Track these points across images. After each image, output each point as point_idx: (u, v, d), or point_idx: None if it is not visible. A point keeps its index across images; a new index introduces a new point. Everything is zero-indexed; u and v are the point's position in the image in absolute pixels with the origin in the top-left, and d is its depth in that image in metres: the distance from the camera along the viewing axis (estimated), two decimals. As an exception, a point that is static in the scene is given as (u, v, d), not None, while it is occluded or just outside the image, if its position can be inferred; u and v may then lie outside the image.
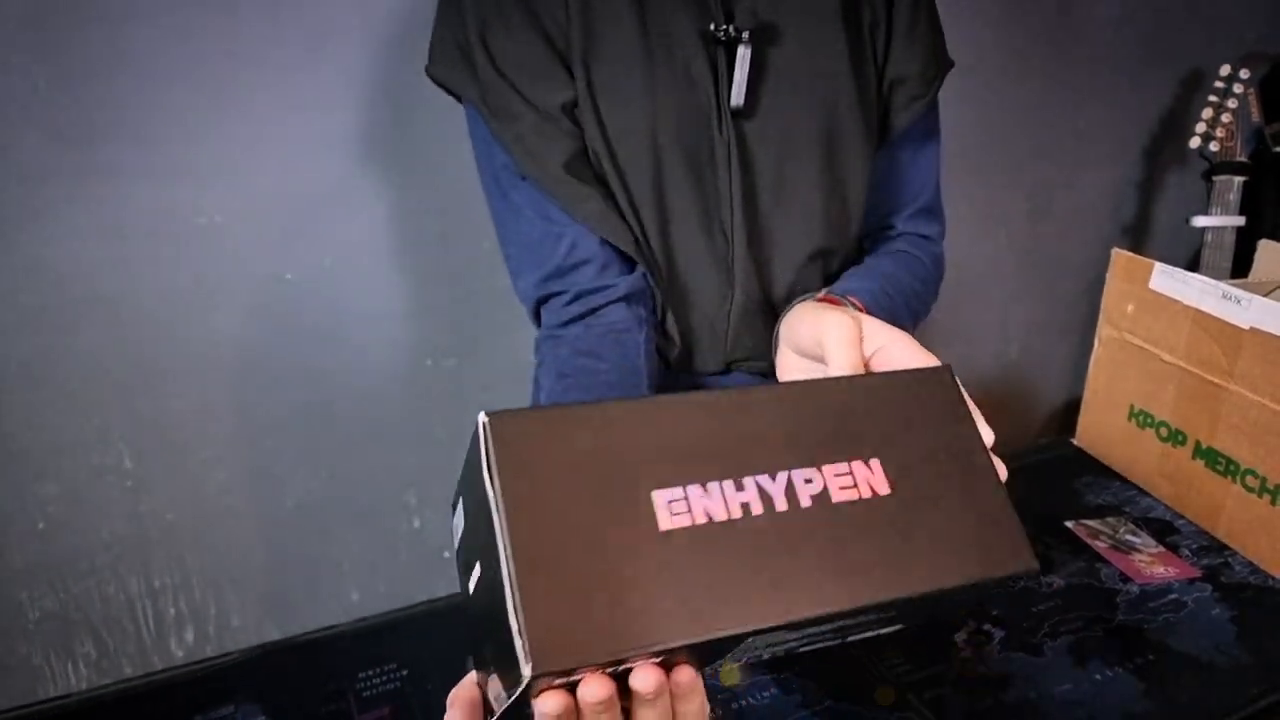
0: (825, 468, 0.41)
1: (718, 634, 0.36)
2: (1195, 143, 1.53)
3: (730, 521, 0.38)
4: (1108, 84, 1.66)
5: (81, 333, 1.08)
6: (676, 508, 0.38)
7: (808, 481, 0.40)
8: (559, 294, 0.67)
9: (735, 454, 0.40)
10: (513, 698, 0.35)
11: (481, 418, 0.37)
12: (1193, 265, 1.57)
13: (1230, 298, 0.73)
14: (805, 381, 0.44)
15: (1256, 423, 0.72)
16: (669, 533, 0.37)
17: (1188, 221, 1.55)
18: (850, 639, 0.48)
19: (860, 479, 0.41)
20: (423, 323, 1.31)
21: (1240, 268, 1.75)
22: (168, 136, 1.06)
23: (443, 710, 0.53)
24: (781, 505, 0.39)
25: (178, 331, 1.13)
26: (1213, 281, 0.75)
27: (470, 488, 0.39)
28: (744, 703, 0.59)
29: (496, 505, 0.35)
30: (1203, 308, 0.76)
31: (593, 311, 0.66)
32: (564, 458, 0.38)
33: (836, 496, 0.40)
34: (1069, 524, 0.79)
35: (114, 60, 1.01)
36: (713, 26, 0.63)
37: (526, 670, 0.33)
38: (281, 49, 1.08)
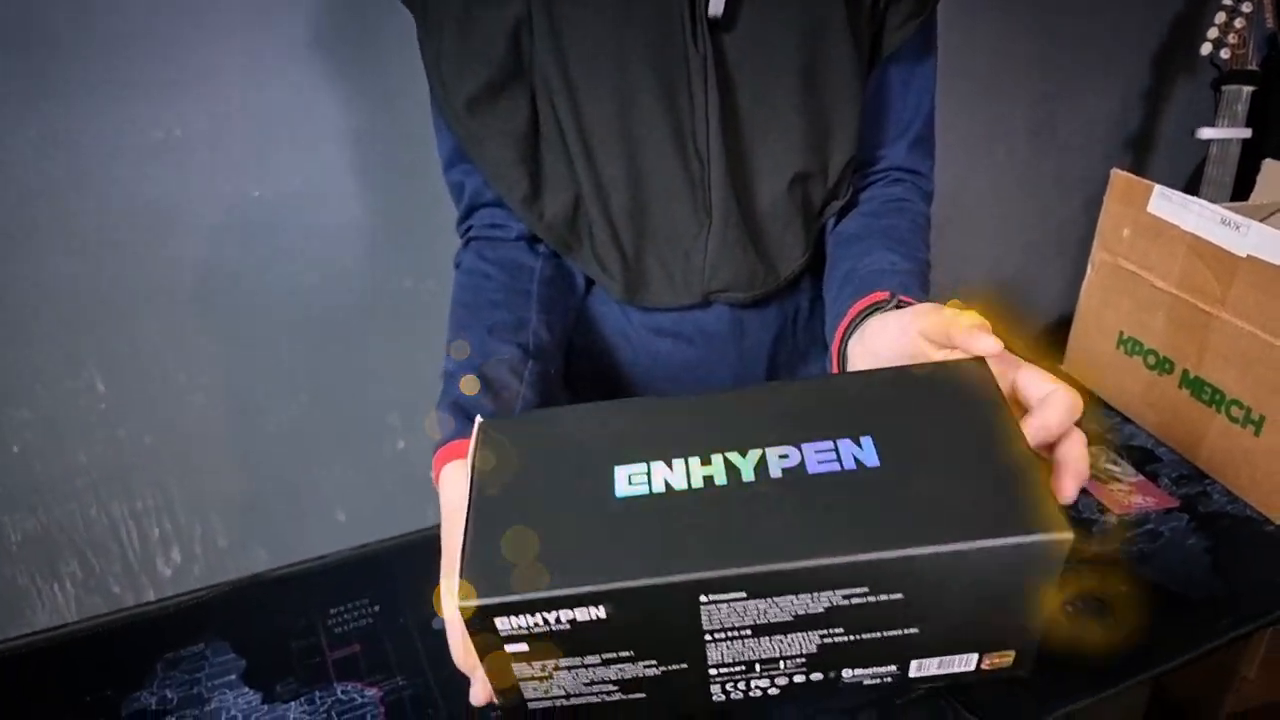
0: (805, 445, 0.39)
1: (658, 580, 0.35)
2: (1206, 49, 1.48)
3: (690, 490, 0.38)
4: (1116, -12, 1.59)
5: (41, 256, 1.05)
6: (636, 479, 0.38)
7: (782, 457, 0.38)
8: (463, 221, 0.71)
9: (708, 438, 0.40)
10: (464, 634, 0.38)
11: (478, 420, 0.42)
12: (1195, 180, 1.53)
13: (1229, 223, 0.70)
14: (821, 379, 0.44)
15: (1245, 353, 0.70)
16: (625, 499, 0.38)
17: (1193, 134, 1.51)
18: (913, 676, 0.43)
19: (845, 453, 0.39)
20: (401, 244, 1.27)
21: (1243, 186, 1.71)
22: (123, 47, 1.00)
23: (412, 644, 0.53)
24: (749, 477, 0.38)
25: (142, 254, 1.10)
26: (1212, 206, 0.72)
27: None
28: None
29: (470, 476, 0.39)
30: (1200, 233, 0.73)
31: (491, 241, 0.69)
32: (540, 446, 0.41)
33: (814, 469, 0.38)
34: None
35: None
36: None
37: (464, 603, 0.35)
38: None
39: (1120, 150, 1.75)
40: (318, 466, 1.31)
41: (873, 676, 0.43)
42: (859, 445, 0.39)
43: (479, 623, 0.37)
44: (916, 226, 0.70)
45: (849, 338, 0.56)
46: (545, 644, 0.38)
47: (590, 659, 0.39)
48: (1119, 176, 0.81)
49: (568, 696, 0.41)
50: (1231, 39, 1.44)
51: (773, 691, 0.43)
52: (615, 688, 0.41)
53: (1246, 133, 1.46)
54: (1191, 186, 1.56)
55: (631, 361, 0.75)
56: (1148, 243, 0.79)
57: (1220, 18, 1.45)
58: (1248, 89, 1.44)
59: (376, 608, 0.60)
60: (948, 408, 0.40)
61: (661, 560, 0.36)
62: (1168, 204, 0.76)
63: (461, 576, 0.36)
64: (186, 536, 1.26)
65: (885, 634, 0.40)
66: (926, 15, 0.65)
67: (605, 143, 0.62)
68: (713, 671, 0.41)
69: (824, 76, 0.63)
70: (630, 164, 0.63)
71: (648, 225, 0.66)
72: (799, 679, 0.42)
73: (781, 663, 0.41)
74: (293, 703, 0.52)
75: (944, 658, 0.43)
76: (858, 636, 0.40)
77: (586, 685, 0.41)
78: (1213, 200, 1.47)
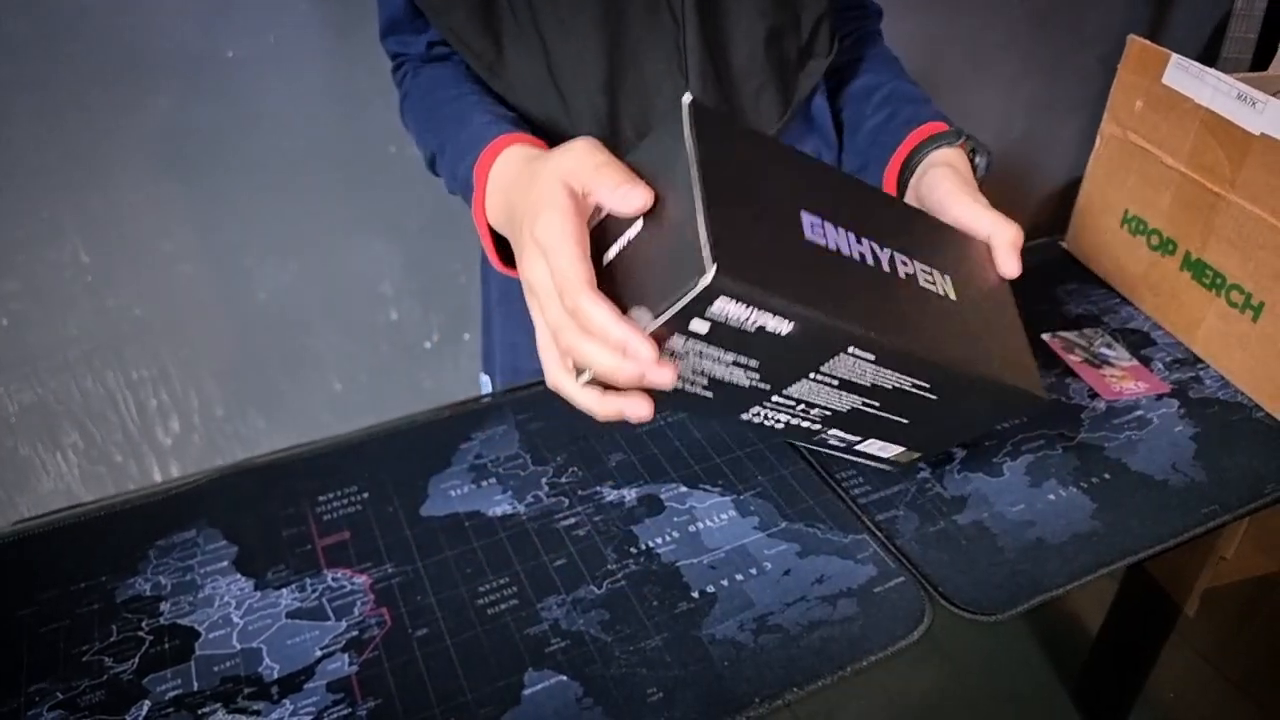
0: (917, 261, 0.50)
1: (844, 323, 0.43)
2: (1241, -108, 1.37)
3: (849, 258, 0.46)
4: None
5: (11, 121, 1.01)
6: (815, 230, 0.45)
7: (904, 263, 0.49)
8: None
9: (859, 216, 0.48)
10: (678, 304, 0.39)
11: (686, 98, 0.43)
12: (1217, 37, 1.46)
13: (1245, 99, 0.67)
14: (912, 206, 0.57)
15: (1250, 236, 0.68)
16: (810, 244, 0.44)
17: (1219, -15, 1.42)
18: (857, 448, 0.57)
19: (938, 281, 0.50)
20: (387, 110, 1.24)
21: (1267, 48, 1.63)
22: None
23: (401, 531, 0.54)
24: (886, 268, 0.47)
25: (116, 117, 1.06)
26: (1229, 79, 0.68)
27: (657, 154, 0.44)
28: (701, 524, 0.59)
29: (691, 154, 0.41)
30: (1214, 108, 0.70)
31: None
32: (741, 151, 0.44)
33: (922, 282, 0.49)
34: (1045, 337, 0.78)
35: None
36: None
37: (710, 271, 0.38)
38: None
39: (1142, 0, 1.65)
40: (311, 335, 1.31)
41: (843, 441, 0.55)
42: (945, 279, 0.51)
43: (702, 302, 0.39)
44: (887, 63, 0.78)
45: (910, 170, 0.64)
46: (721, 335, 0.42)
47: (729, 356, 0.44)
48: (1134, 43, 0.77)
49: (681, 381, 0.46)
50: (1273, -123, 1.34)
51: (778, 425, 0.52)
52: (707, 383, 0.46)
53: (1278, -15, 1.37)
54: (1215, 43, 1.48)
55: None
56: (1160, 116, 0.75)
57: None
58: (1284, -64, 1.35)
59: (365, 494, 0.61)
60: (985, 276, 0.54)
61: (848, 308, 0.43)
62: (1184, 75, 0.72)
63: (713, 247, 0.38)
64: (184, 406, 1.27)
65: (893, 417, 0.52)
66: None
67: (580, 7, 0.61)
68: (778, 399, 0.49)
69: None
70: (604, 28, 0.62)
71: (622, 90, 0.65)
72: (805, 424, 0.52)
73: (816, 409, 0.51)
74: (284, 589, 0.53)
75: (888, 444, 0.56)
76: (879, 413, 0.52)
77: (694, 374, 0.45)
78: (1236, 57, 1.41)
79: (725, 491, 0.62)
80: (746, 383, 0.46)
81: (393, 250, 1.29)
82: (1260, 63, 1.61)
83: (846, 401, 0.50)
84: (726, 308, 0.40)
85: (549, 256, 0.43)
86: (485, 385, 0.91)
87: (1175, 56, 0.73)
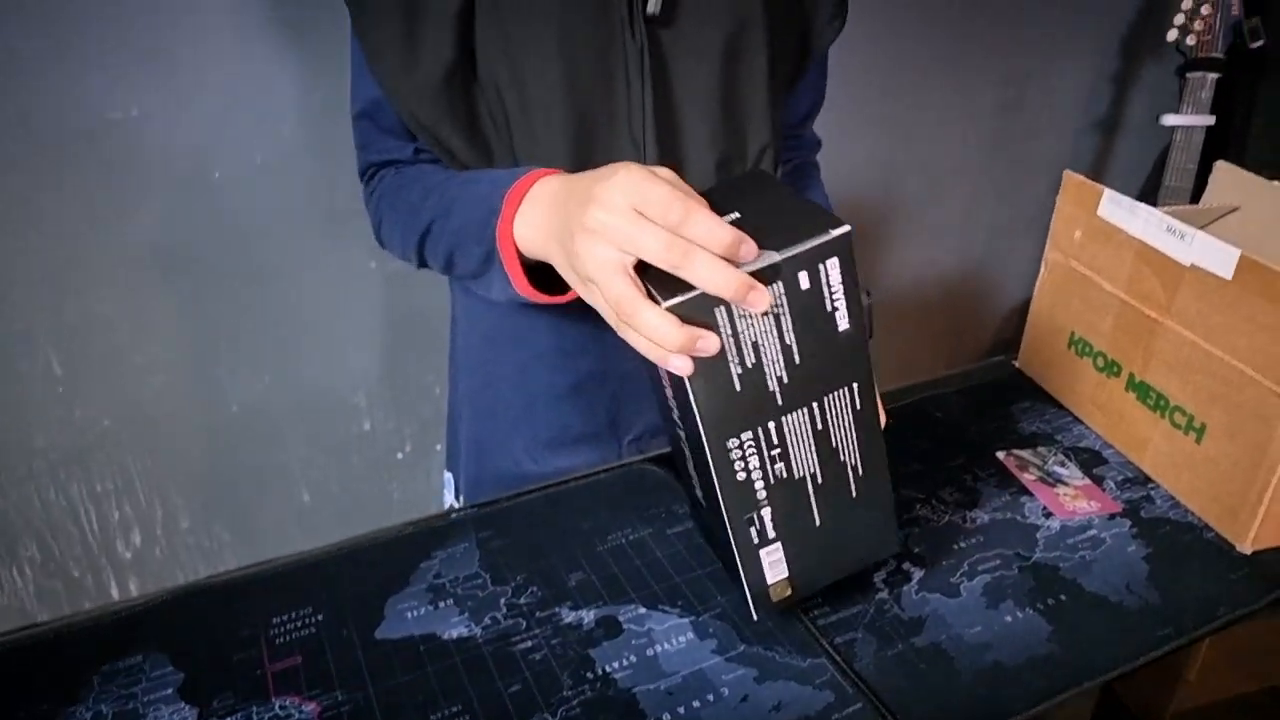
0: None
1: (865, 349, 0.53)
2: (1173, 35, 1.48)
3: None
4: (1088, -32, 1.58)
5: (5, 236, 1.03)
6: None
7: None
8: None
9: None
10: (807, 244, 0.47)
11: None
12: (1161, 163, 1.54)
13: (1174, 232, 0.71)
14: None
15: (1188, 361, 0.71)
16: None
17: (1158, 119, 1.51)
18: (760, 552, 0.58)
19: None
20: (364, 224, 1.28)
21: (1206, 169, 1.71)
22: (79, 19, 0.98)
23: (354, 656, 0.54)
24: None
25: (99, 235, 1.08)
26: (1158, 213, 0.72)
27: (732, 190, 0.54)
28: (660, 647, 0.59)
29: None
30: (1147, 239, 0.74)
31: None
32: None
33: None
34: (1000, 454, 0.79)
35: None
36: None
37: (845, 227, 0.48)
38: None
39: (1088, 132, 1.75)
40: (282, 447, 1.31)
41: (757, 536, 0.57)
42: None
43: (823, 254, 0.48)
44: (820, 185, 0.88)
45: None
46: (804, 303, 0.49)
47: (789, 338, 0.50)
48: (1070, 178, 0.81)
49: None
50: (1198, 25, 1.44)
51: (741, 473, 0.54)
52: (750, 364, 0.50)
53: (1210, 120, 1.46)
54: (1158, 171, 1.57)
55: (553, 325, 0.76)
56: (1098, 246, 0.79)
57: (1187, 4, 1.45)
58: (1212, 76, 1.45)
59: (320, 616, 0.60)
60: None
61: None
62: (1117, 209, 0.77)
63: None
64: (147, 519, 1.25)
65: (815, 507, 0.57)
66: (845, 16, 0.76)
67: (549, 127, 0.66)
68: (773, 425, 0.53)
69: (744, 70, 0.70)
70: (573, 148, 0.67)
71: None
72: (758, 486, 0.55)
73: (779, 465, 0.55)
74: (228, 719, 0.52)
75: (780, 563, 0.58)
76: (812, 496, 0.57)
77: (748, 346, 0.50)
78: (1178, 185, 1.48)
79: (684, 613, 0.62)
80: (772, 385, 0.51)
81: (369, 361, 1.31)
82: (1200, 190, 1.70)
83: (807, 463, 0.55)
84: (833, 270, 0.48)
85: (654, 180, 0.46)
86: (449, 484, 0.91)
87: (1108, 191, 0.78)
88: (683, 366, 0.47)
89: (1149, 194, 1.60)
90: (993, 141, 1.65)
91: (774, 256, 0.47)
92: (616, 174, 0.47)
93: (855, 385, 0.54)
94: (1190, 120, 1.46)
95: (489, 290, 0.63)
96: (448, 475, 0.92)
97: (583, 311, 0.56)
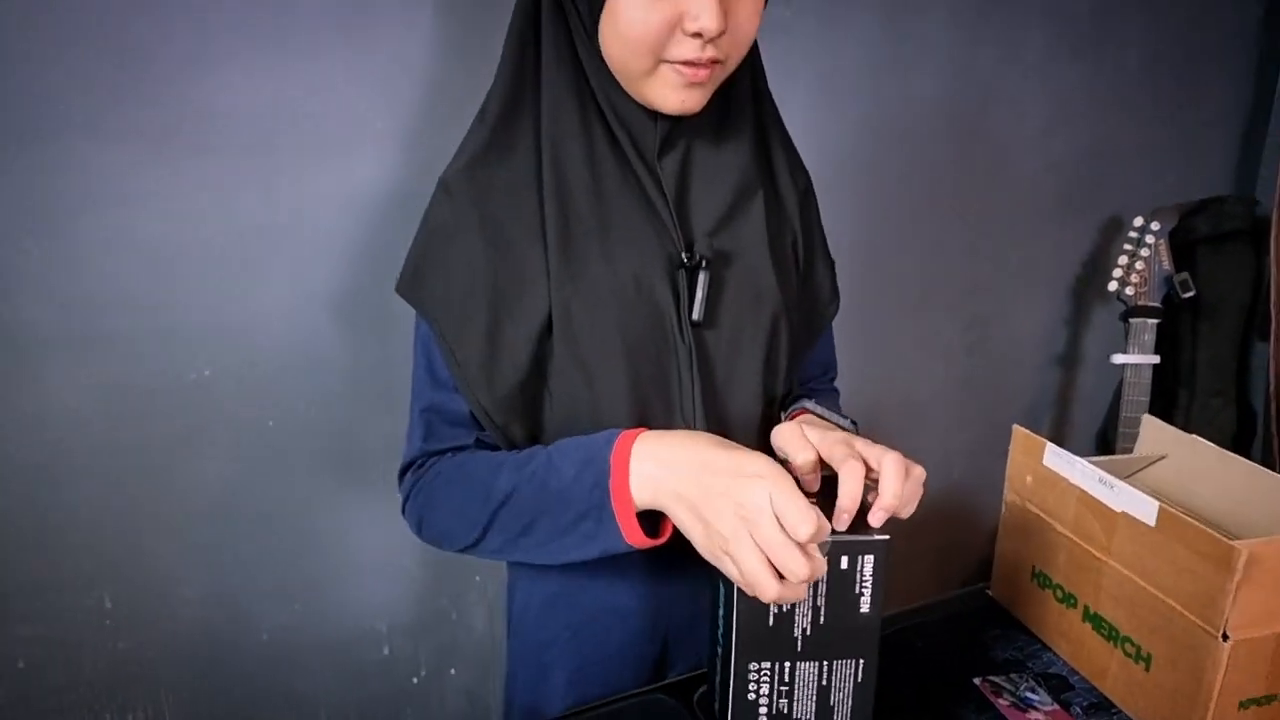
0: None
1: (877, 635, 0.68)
2: (1113, 286, 1.67)
3: None
4: (1037, 228, 1.81)
5: (76, 487, 1.16)
6: None
7: None
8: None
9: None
10: (859, 538, 0.64)
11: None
12: (1119, 397, 1.69)
13: (1105, 482, 0.83)
14: None
15: (1131, 596, 0.82)
16: None
17: (1109, 358, 1.68)
18: None
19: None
20: (392, 464, 1.41)
21: (1166, 403, 1.88)
22: (164, 303, 1.15)
23: None
24: None
25: (166, 479, 1.21)
26: (1090, 466, 0.85)
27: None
28: None
29: None
30: (1084, 487, 0.86)
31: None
32: None
33: None
34: (976, 681, 0.88)
35: (111, 240, 1.11)
36: (684, 257, 0.75)
37: (887, 537, 0.63)
38: (273, 215, 1.18)
39: (1049, 368, 1.92)
40: (305, 672, 1.37)
41: None
42: None
43: (866, 549, 0.64)
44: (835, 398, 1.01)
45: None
46: (842, 580, 0.65)
47: (827, 599, 0.65)
48: (1018, 431, 0.95)
49: None
50: (1134, 279, 1.64)
51: (751, 692, 0.67)
52: (805, 611, 0.66)
53: (1154, 359, 1.63)
54: (1118, 400, 1.72)
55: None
56: (1047, 490, 0.92)
57: (1123, 260, 1.66)
58: (1152, 321, 1.63)
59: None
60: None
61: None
62: (1058, 459, 0.90)
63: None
64: (173, 746, 1.30)
65: None
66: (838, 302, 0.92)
67: (614, 419, 0.75)
68: (789, 665, 0.67)
69: (773, 354, 0.82)
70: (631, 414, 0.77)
71: None
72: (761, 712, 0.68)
73: (780, 702, 0.68)
74: None
75: None
76: None
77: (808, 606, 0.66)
78: (1132, 416, 1.63)
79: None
80: (796, 632, 0.64)
81: (391, 589, 1.40)
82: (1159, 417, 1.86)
83: (806, 708, 0.66)
84: (869, 564, 0.63)
85: (791, 495, 0.59)
86: None
87: (1050, 445, 0.91)
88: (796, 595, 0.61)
89: (1114, 419, 1.75)
90: (964, 375, 1.82)
91: (827, 537, 0.60)
92: (763, 478, 0.61)
93: (863, 662, 0.66)
94: (1136, 359, 1.63)
95: (564, 552, 0.71)
96: None
97: (640, 573, 0.72)
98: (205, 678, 1.30)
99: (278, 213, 1.19)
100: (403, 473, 0.85)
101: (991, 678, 0.89)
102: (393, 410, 1.30)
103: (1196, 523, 0.74)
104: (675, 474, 0.65)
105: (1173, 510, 0.77)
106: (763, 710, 0.66)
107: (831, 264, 0.93)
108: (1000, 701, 0.85)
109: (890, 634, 0.96)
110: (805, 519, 0.58)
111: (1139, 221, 1.65)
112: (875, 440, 0.82)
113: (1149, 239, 1.64)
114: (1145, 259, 1.63)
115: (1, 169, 1.04)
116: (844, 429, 0.78)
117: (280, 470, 1.28)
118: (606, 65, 0.73)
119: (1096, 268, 1.88)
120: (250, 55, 1.12)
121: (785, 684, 0.65)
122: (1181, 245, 1.80)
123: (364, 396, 1.30)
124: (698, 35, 0.67)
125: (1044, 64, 1.67)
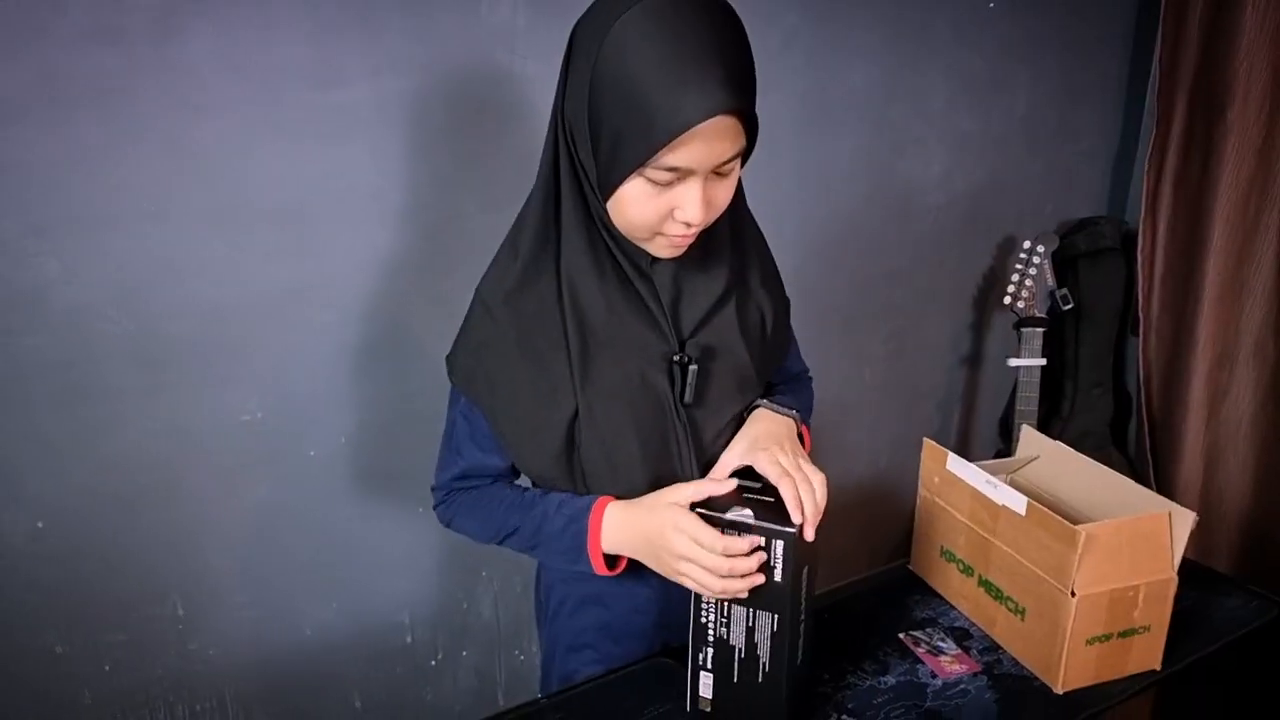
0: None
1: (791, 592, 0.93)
2: (1007, 299, 1.98)
3: None
4: (943, 252, 2.11)
5: (149, 515, 1.36)
6: None
7: None
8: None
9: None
10: (772, 527, 0.89)
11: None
12: (1015, 392, 2.01)
13: (990, 483, 1.12)
14: None
15: (1011, 568, 1.10)
16: None
17: (1006, 360, 1.99)
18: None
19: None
20: (422, 482, 1.63)
21: (1055, 394, 2.20)
22: (220, 356, 1.36)
23: None
24: None
25: (222, 504, 1.42)
26: (980, 470, 1.13)
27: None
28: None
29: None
30: (976, 486, 1.15)
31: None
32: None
33: None
34: (900, 635, 1.16)
35: (184, 306, 1.31)
36: (675, 357, 0.97)
37: (795, 529, 0.89)
38: (307, 277, 1.39)
39: (957, 367, 2.24)
40: (341, 659, 1.60)
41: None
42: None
43: (780, 538, 0.89)
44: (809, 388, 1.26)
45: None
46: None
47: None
48: (927, 444, 1.23)
49: None
50: (1023, 293, 1.95)
51: (708, 617, 0.96)
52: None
53: (1042, 362, 1.95)
54: (1015, 395, 2.03)
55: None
56: (949, 488, 1.20)
57: (1014, 277, 1.96)
58: (1040, 330, 1.95)
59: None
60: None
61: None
62: (957, 465, 1.18)
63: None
64: (232, 729, 1.52)
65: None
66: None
67: (630, 485, 0.99)
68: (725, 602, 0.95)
69: (747, 411, 1.06)
70: (646, 492, 1.00)
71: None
72: (710, 616, 0.96)
73: (732, 628, 0.95)
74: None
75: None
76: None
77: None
78: (1025, 410, 1.94)
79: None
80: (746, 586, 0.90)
81: (412, 586, 1.63)
82: (1048, 412, 2.19)
83: (738, 639, 0.93)
84: (779, 548, 0.88)
85: (694, 530, 0.89)
86: None
87: (950, 454, 1.19)
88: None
89: (1012, 409, 2.07)
90: (884, 380, 2.12)
91: (749, 521, 0.89)
92: (681, 530, 0.90)
93: (776, 616, 0.90)
94: (1027, 362, 1.94)
95: (555, 565, 1.06)
96: None
97: (655, 579, 0.99)
98: (258, 669, 1.52)
99: (310, 275, 1.40)
100: (434, 489, 1.12)
101: (912, 632, 1.17)
102: (411, 440, 1.52)
103: (1052, 513, 1.03)
104: (630, 536, 0.97)
105: (1036, 504, 1.06)
106: (709, 634, 0.94)
107: (788, 307, 1.17)
108: (919, 649, 1.13)
109: (836, 601, 1.24)
110: (713, 541, 0.88)
111: (1027, 244, 1.96)
112: (814, 435, 1.11)
113: (1035, 259, 1.95)
114: (1033, 277, 1.94)
115: (85, 255, 1.23)
116: (789, 417, 1.05)
117: (318, 492, 1.50)
118: (613, 223, 0.91)
119: (995, 280, 2.19)
120: (287, 145, 1.33)
121: (725, 617, 0.93)
122: (1065, 259, 2.13)
123: (388, 429, 1.52)
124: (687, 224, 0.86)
125: (947, 113, 1.96)
